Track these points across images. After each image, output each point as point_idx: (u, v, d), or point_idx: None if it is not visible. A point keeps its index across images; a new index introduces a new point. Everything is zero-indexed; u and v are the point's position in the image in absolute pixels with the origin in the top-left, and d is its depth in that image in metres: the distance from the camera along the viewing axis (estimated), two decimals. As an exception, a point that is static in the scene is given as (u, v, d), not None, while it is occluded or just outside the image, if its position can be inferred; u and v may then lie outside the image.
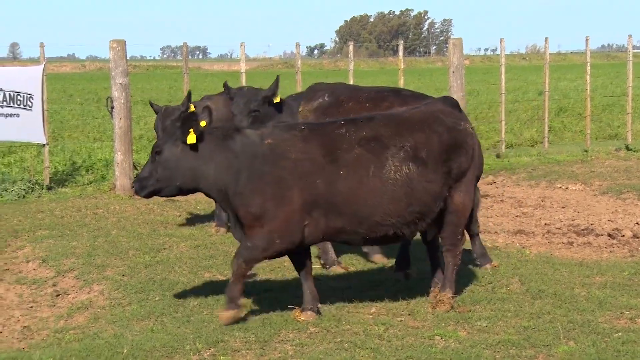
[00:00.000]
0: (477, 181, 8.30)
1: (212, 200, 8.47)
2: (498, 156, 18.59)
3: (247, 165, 7.29)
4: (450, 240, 7.79)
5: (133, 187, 7.66)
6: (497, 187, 15.07)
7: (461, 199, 7.65)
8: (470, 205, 7.81)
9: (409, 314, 7.68)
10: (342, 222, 7.33)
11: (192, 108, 10.81)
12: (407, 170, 7.33)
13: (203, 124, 7.44)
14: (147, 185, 7.50)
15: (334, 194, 7.24)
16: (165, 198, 10.23)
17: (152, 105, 11.71)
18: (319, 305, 7.63)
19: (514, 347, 6.76)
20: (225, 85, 10.55)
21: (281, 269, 9.29)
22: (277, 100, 10.16)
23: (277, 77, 10.20)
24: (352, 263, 9.73)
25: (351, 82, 16.05)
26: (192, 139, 7.33)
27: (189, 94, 10.93)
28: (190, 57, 17.38)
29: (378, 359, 6.56)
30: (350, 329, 7.28)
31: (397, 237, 7.60)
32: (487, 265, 9.21)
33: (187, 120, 7.39)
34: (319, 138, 7.38)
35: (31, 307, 9.00)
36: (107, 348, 6.82)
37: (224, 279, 8.80)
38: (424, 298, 8.09)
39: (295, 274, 8.90)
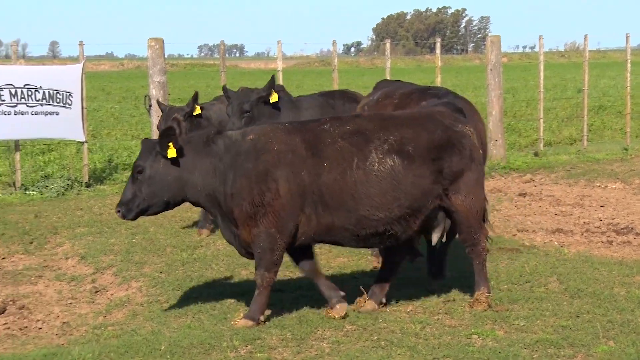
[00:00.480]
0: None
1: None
2: (536, 154, 18.44)
3: (231, 164, 7.30)
4: (469, 241, 7.73)
5: (118, 211, 7.48)
6: (535, 186, 14.94)
7: (461, 200, 7.54)
8: (476, 205, 7.65)
9: (446, 313, 7.65)
10: (332, 217, 7.29)
11: (198, 109, 10.88)
12: (392, 163, 7.32)
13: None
14: (132, 208, 7.43)
15: (320, 185, 7.23)
16: None
17: (159, 104, 11.79)
18: (342, 294, 7.60)
19: (552, 347, 6.69)
20: (224, 88, 10.56)
21: (318, 266, 9.28)
22: (274, 99, 10.16)
23: (272, 76, 10.25)
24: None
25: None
26: (172, 153, 7.33)
27: (195, 95, 10.96)
28: (227, 55, 17.45)
29: (415, 357, 6.54)
30: (386, 327, 7.26)
31: (390, 236, 7.49)
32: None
33: (165, 135, 7.36)
34: (301, 133, 7.39)
35: (70, 303, 9.10)
36: (145, 344, 6.85)
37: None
38: (461, 296, 8.05)
39: (330, 271, 8.93)
